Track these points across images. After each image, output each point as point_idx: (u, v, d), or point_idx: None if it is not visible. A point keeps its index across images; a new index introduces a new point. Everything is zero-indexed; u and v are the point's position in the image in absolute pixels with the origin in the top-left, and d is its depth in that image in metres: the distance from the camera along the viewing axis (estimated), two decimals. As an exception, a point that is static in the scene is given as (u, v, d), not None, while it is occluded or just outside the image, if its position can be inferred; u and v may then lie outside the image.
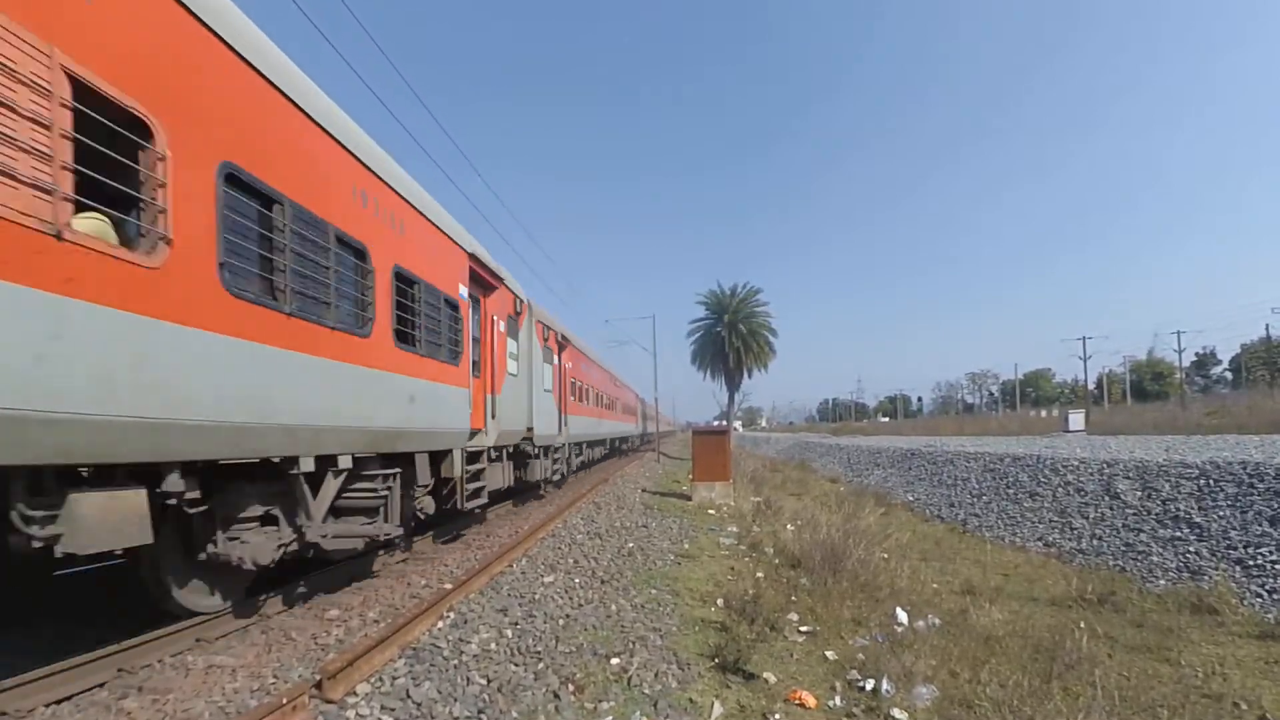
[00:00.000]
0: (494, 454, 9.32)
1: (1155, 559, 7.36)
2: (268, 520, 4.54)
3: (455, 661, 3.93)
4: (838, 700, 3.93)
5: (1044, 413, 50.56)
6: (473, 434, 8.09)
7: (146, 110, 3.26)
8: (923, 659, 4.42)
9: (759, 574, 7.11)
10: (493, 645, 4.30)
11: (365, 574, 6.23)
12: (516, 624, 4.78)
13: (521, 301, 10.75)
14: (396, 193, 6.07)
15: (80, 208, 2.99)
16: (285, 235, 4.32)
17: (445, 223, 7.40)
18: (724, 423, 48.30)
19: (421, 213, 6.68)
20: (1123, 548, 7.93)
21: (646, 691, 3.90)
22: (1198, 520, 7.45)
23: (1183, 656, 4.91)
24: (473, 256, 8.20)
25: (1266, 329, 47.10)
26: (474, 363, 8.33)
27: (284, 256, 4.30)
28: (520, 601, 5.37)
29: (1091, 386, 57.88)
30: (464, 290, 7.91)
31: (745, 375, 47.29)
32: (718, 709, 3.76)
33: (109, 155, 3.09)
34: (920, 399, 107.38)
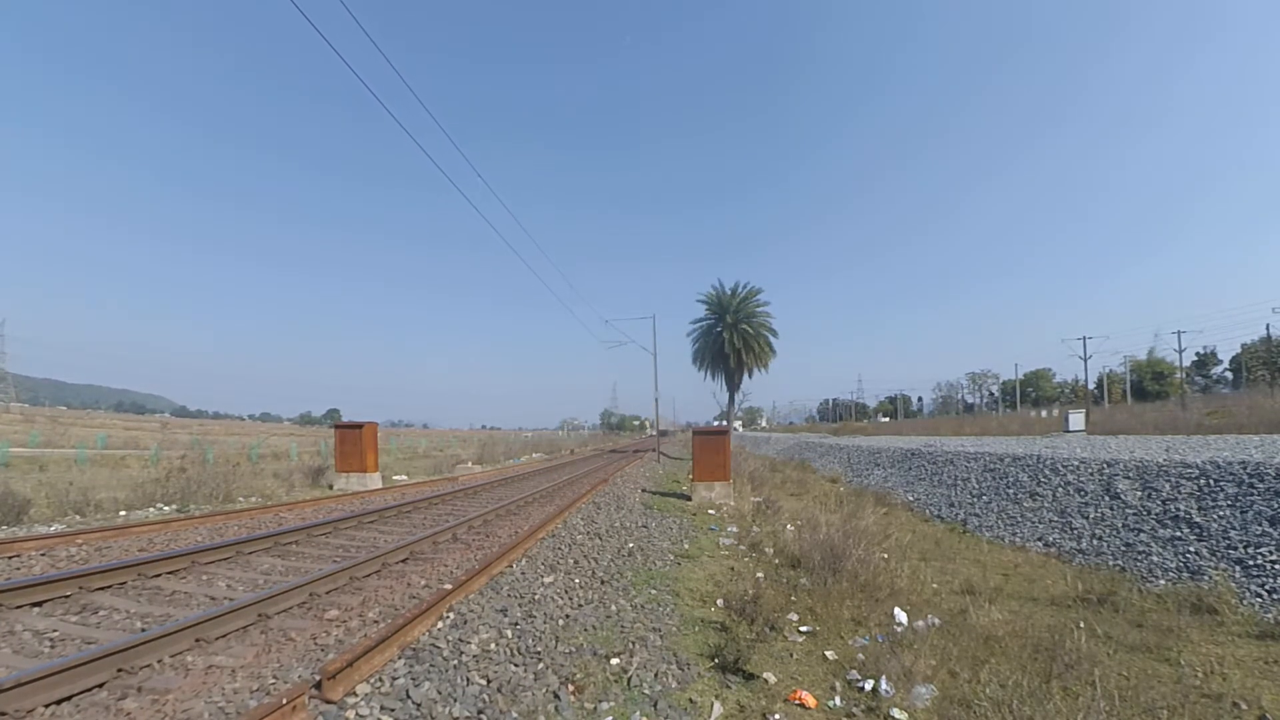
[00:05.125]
0: None
1: (1155, 559, 7.36)
2: None
3: (455, 662, 3.93)
4: (837, 700, 3.94)
5: (1044, 413, 50.48)
6: None
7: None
8: (922, 659, 4.42)
9: (759, 574, 7.12)
10: (492, 645, 4.30)
11: (365, 574, 6.23)
12: (516, 624, 4.78)
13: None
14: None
15: None
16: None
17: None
18: (724, 423, 48.32)
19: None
20: (1123, 547, 7.93)
21: (646, 692, 3.90)
22: (1198, 520, 7.45)
23: (1182, 656, 4.90)
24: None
25: (1267, 329, 46.99)
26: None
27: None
28: (520, 602, 5.37)
29: (1092, 386, 57.81)
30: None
31: (746, 375, 47.23)
32: (717, 709, 3.76)
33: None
34: (920, 399, 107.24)
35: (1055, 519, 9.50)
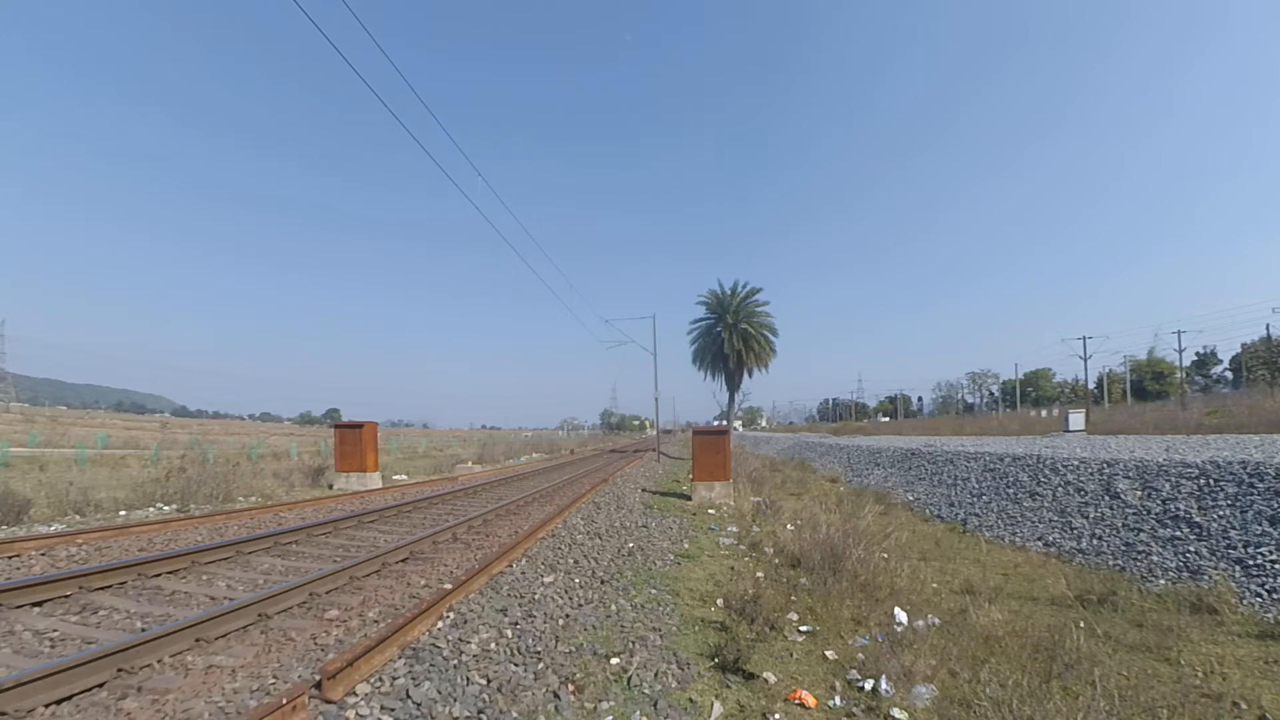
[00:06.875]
0: None
1: (1155, 558, 7.36)
2: None
3: (455, 661, 3.93)
4: (837, 700, 3.93)
5: (1044, 412, 50.51)
6: None
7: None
8: (922, 659, 4.42)
9: (759, 574, 7.12)
10: (492, 645, 4.30)
11: (365, 574, 6.23)
12: (516, 624, 4.78)
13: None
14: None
15: None
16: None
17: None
18: (724, 423, 48.29)
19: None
20: (1123, 547, 7.93)
21: (646, 691, 3.90)
22: (1198, 520, 7.45)
23: (1182, 656, 4.90)
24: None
25: (1267, 329, 46.97)
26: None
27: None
28: (520, 601, 5.37)
29: (1092, 386, 57.76)
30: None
31: (746, 375, 47.21)
32: (717, 709, 3.76)
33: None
34: (920, 399, 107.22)
35: (1055, 519, 9.50)
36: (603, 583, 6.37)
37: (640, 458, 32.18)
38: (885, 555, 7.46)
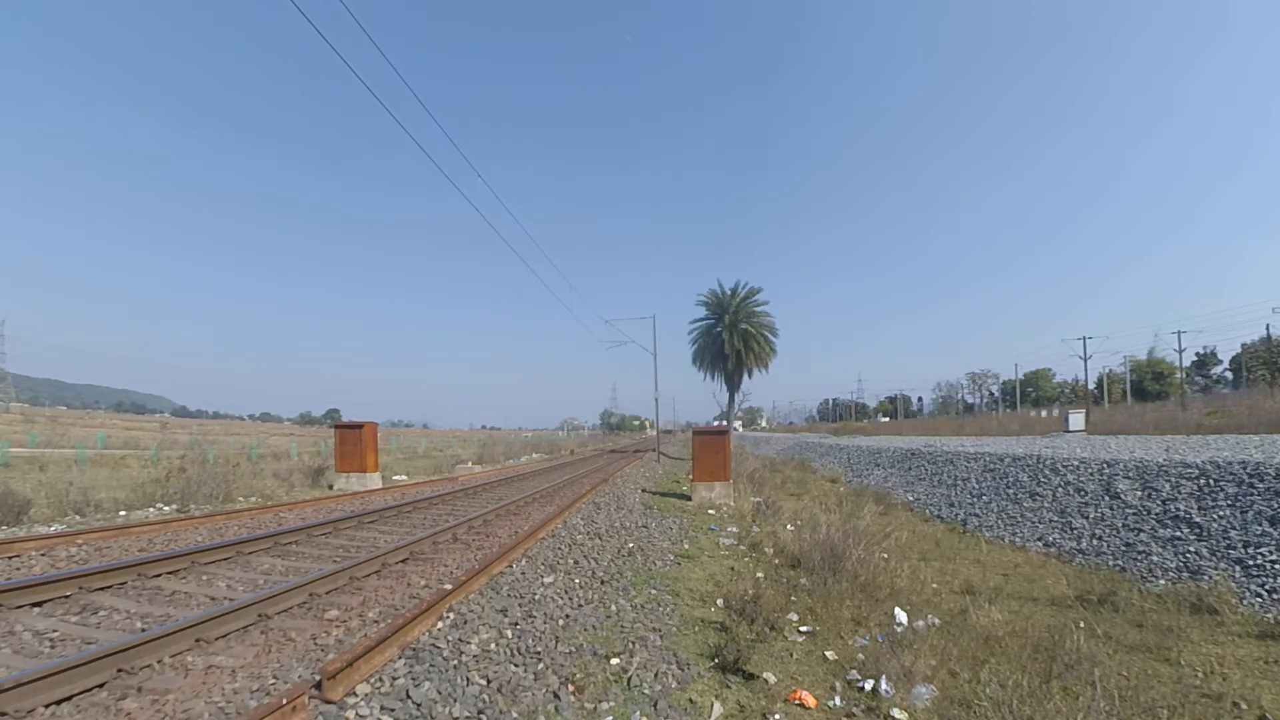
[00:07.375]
0: None
1: (1155, 559, 7.36)
2: None
3: (455, 662, 3.93)
4: (837, 700, 3.93)
5: (1044, 413, 50.51)
6: None
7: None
8: (922, 659, 4.42)
9: (759, 574, 7.12)
10: (492, 646, 4.30)
11: (365, 574, 6.23)
12: (516, 624, 4.77)
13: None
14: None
15: None
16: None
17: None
18: (724, 423, 48.26)
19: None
20: (1123, 547, 7.93)
21: (646, 692, 3.90)
22: (1198, 520, 7.45)
23: (1182, 656, 4.91)
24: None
25: (1267, 329, 46.93)
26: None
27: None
28: (520, 602, 5.37)
29: (1092, 386, 57.72)
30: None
31: (745, 375, 47.17)
32: (717, 709, 3.76)
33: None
34: (920, 399, 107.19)
35: (1055, 519, 9.50)
36: (603, 583, 6.37)
37: (640, 458, 32.18)
38: (885, 555, 7.45)
